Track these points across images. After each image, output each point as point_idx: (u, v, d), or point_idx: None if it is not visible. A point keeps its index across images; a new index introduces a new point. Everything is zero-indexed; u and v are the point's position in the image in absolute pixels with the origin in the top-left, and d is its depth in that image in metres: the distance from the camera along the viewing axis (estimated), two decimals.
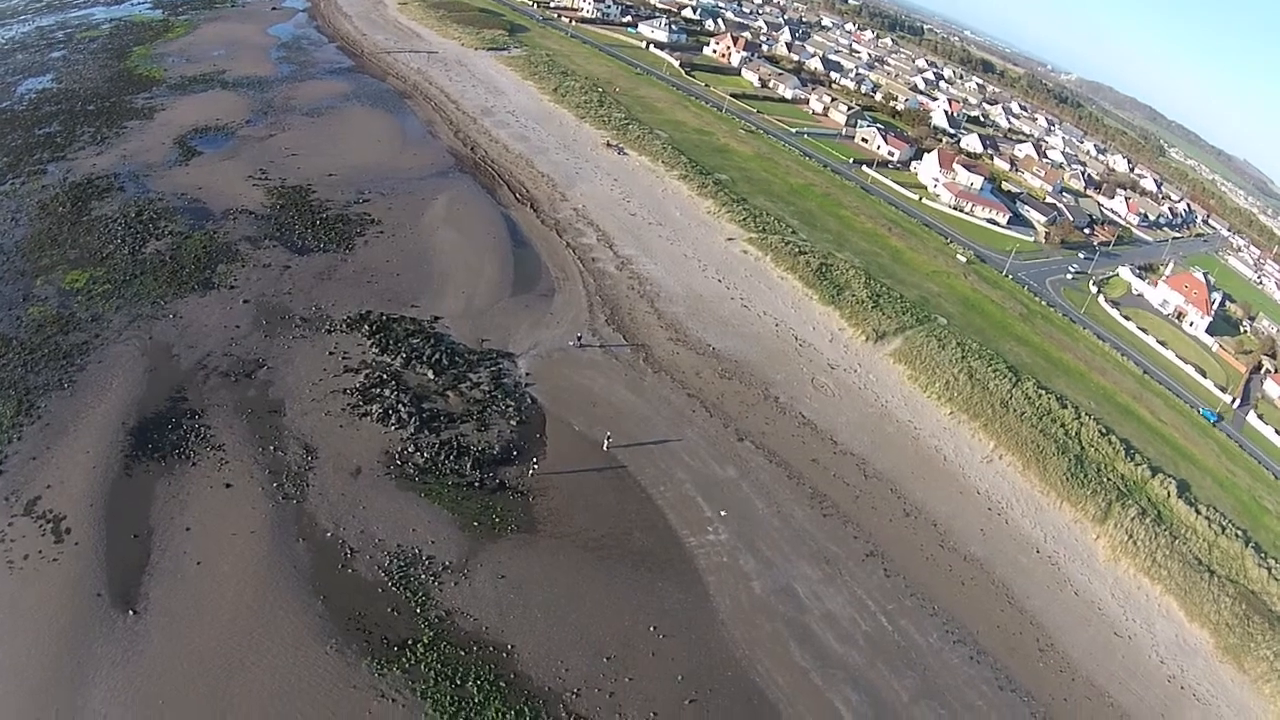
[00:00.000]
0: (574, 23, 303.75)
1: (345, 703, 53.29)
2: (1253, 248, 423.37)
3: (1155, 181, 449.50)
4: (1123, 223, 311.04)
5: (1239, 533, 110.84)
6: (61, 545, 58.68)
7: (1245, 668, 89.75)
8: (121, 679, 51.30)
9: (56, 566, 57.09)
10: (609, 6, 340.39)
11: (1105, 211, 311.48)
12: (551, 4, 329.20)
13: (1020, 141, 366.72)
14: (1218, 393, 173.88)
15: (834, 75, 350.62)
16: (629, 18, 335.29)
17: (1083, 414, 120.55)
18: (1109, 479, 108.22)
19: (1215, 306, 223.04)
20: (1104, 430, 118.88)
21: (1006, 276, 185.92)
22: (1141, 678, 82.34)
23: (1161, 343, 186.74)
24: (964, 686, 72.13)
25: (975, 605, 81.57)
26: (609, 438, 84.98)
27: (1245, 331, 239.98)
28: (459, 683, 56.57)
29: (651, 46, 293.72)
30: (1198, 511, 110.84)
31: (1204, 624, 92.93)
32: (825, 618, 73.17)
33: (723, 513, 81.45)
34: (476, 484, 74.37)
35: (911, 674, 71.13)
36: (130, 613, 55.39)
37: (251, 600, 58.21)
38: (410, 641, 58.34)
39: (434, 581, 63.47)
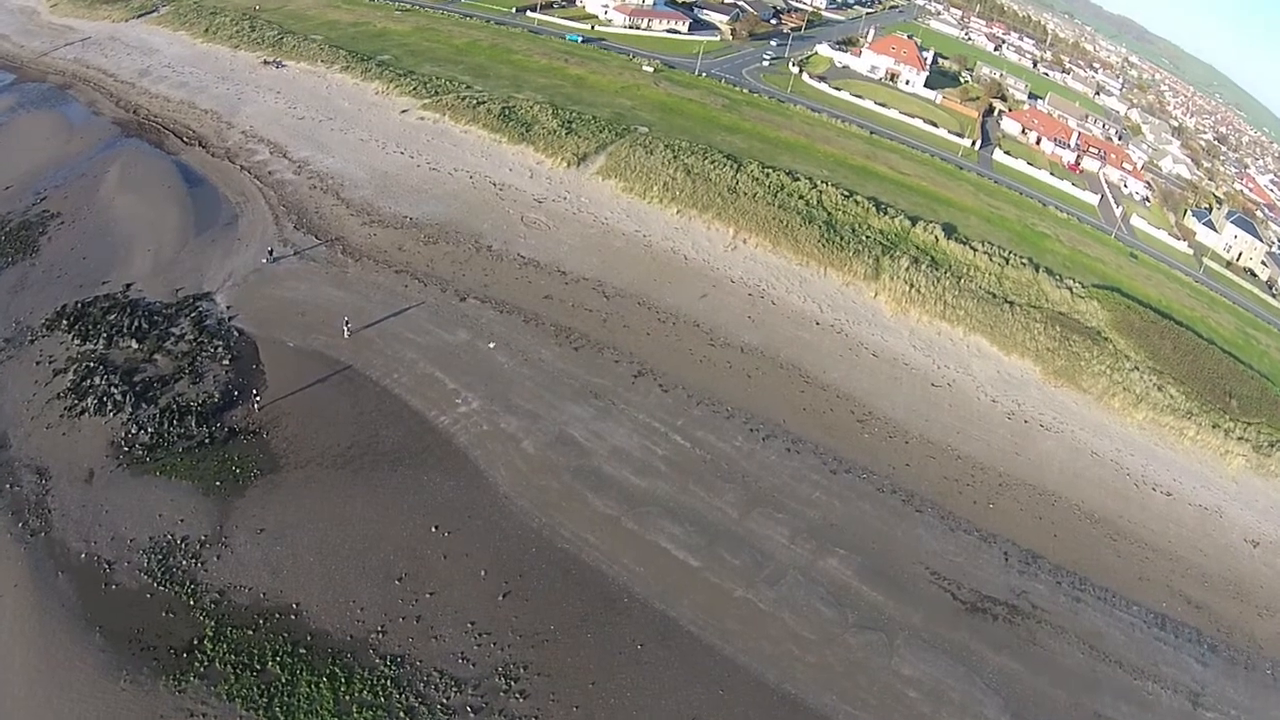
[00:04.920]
0: None
1: None
2: (953, 9, 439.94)
3: None
4: (809, 8, 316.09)
5: (1024, 261, 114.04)
6: None
7: (1084, 387, 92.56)
8: None
9: None
10: None
11: (789, 1, 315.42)
12: None
13: None
14: (955, 139, 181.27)
15: None
16: None
17: (819, 182, 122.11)
18: (868, 236, 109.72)
19: (929, 63, 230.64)
20: (847, 193, 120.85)
21: (700, 76, 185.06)
22: (978, 421, 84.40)
23: (881, 104, 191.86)
24: (793, 482, 71.82)
25: (771, 394, 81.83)
26: (347, 323, 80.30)
27: (966, 81, 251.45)
28: (259, 668, 50.63)
29: None
30: (974, 249, 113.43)
31: (1022, 353, 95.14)
32: (614, 454, 71.11)
33: (491, 345, 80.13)
34: (206, 440, 66.94)
35: (730, 486, 70.02)
36: None
37: (38, 662, 49.70)
38: (195, 640, 51.46)
39: (197, 564, 56.39)
